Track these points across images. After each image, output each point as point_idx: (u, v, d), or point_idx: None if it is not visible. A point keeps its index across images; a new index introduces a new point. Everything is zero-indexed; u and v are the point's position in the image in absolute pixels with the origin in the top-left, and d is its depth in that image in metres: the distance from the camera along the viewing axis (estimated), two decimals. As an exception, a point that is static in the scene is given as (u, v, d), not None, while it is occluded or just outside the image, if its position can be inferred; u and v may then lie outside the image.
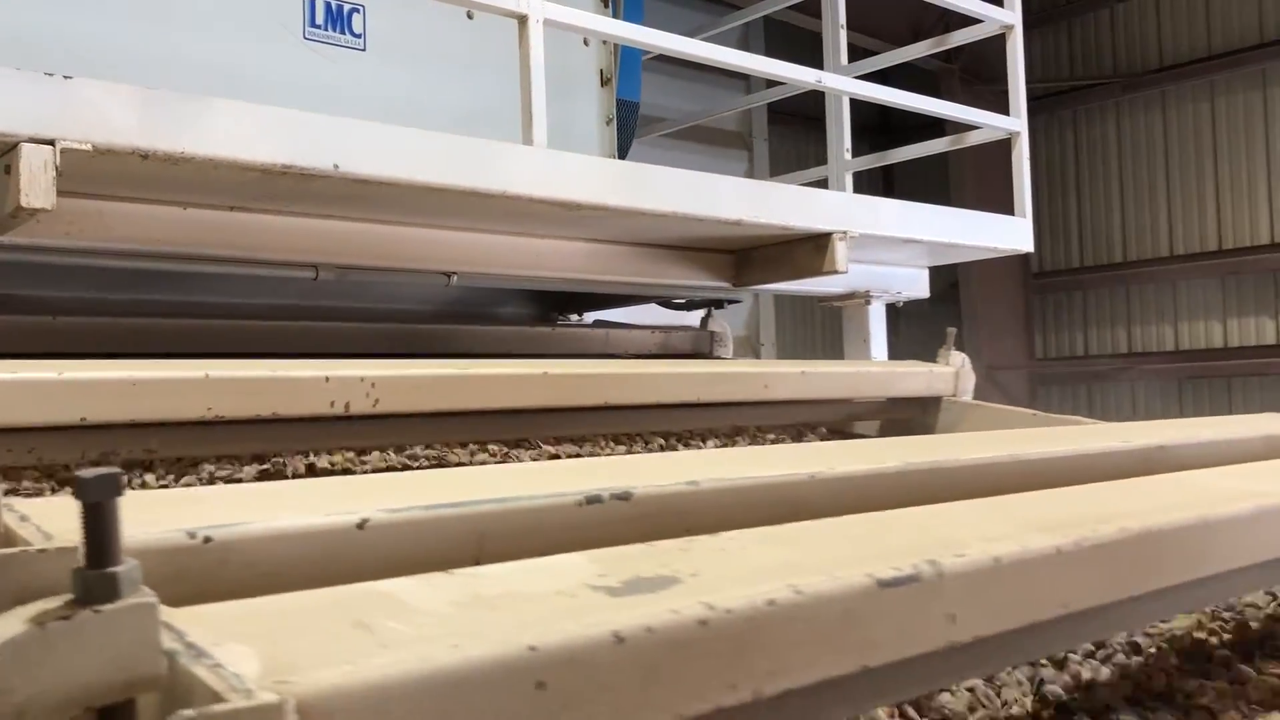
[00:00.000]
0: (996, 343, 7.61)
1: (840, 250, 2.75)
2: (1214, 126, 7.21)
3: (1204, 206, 7.28)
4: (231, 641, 0.58)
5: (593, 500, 1.03)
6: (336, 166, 1.93)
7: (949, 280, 7.84)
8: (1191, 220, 7.33)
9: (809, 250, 2.82)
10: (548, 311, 3.44)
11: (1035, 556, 0.94)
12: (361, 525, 0.87)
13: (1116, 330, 7.73)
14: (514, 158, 2.15)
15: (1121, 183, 7.72)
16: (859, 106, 3.57)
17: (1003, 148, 3.41)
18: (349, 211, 2.25)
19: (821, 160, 3.85)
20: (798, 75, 2.90)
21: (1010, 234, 3.30)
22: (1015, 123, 3.37)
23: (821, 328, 7.94)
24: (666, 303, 3.45)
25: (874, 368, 2.87)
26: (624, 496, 1.05)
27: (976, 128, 3.48)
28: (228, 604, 0.65)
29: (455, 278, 2.45)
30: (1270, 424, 2.17)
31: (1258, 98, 7.02)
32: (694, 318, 3.50)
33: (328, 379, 1.70)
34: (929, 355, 2.97)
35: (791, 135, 7.43)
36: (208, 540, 0.79)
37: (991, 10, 3.38)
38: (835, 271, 2.76)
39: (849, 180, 3.77)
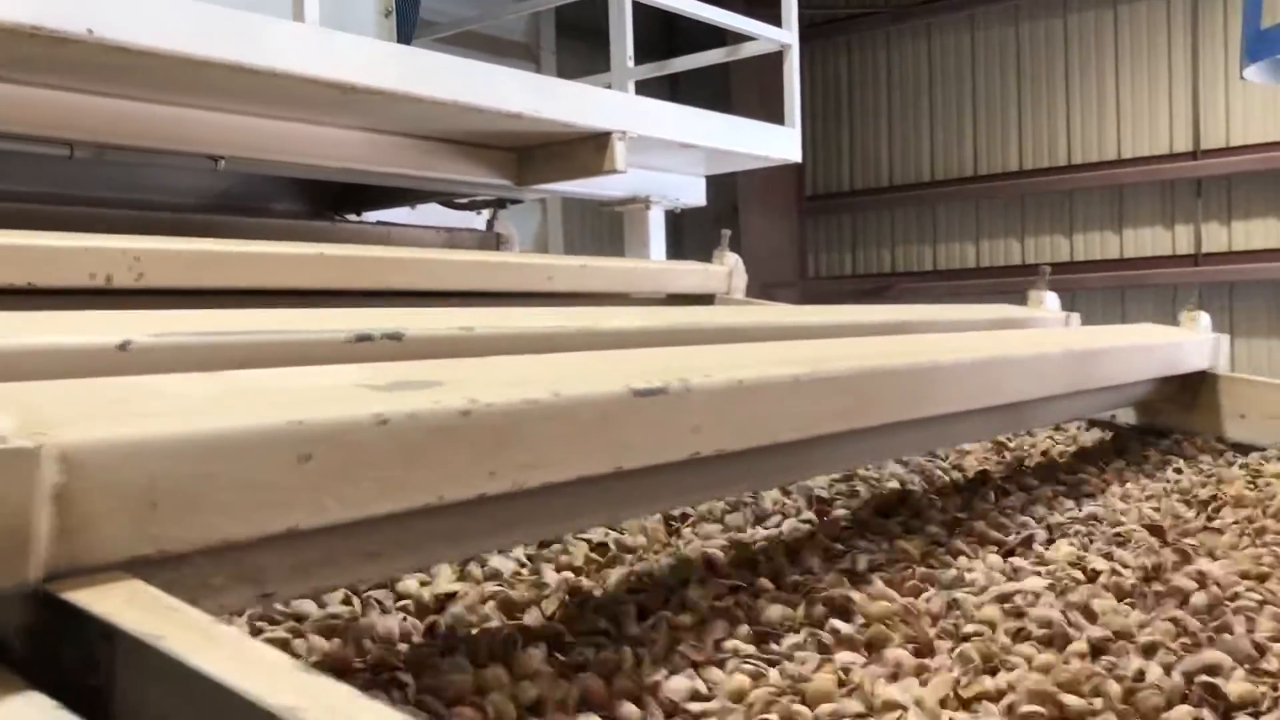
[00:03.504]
0: (772, 261, 7.92)
1: (619, 150, 2.81)
2: (973, 59, 7.68)
3: (962, 135, 7.76)
4: (-15, 409, 0.58)
5: (363, 338, 1.05)
6: (91, 31, 1.83)
7: (730, 201, 8.08)
8: (951, 148, 7.80)
9: (589, 150, 2.86)
10: (325, 209, 3.36)
11: (774, 382, 1.03)
12: (123, 347, 0.87)
13: (881, 251, 8.19)
14: (283, 34, 2.09)
15: (890, 110, 8.12)
16: (646, 23, 3.62)
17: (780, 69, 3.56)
18: (107, 86, 2.14)
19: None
20: (578, -27, 2.91)
21: (780, 143, 3.45)
22: (786, 35, 3.51)
23: (609, 243, 8.05)
24: (449, 203, 3.43)
25: (653, 265, 2.96)
26: (395, 336, 1.08)
27: (753, 39, 3.62)
28: (-21, 385, 0.65)
29: (223, 162, 2.37)
30: (1002, 310, 2.40)
31: (1010, 33, 7.51)
32: (481, 222, 3.50)
33: (87, 249, 1.63)
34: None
35: (582, 50, 7.42)
36: (-45, 351, 0.78)
37: (767, -76, 3.49)
38: (615, 171, 2.82)
39: (631, 88, 3.83)
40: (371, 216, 3.43)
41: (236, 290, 1.88)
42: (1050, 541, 1.36)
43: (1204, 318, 2.21)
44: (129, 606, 0.54)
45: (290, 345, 0.99)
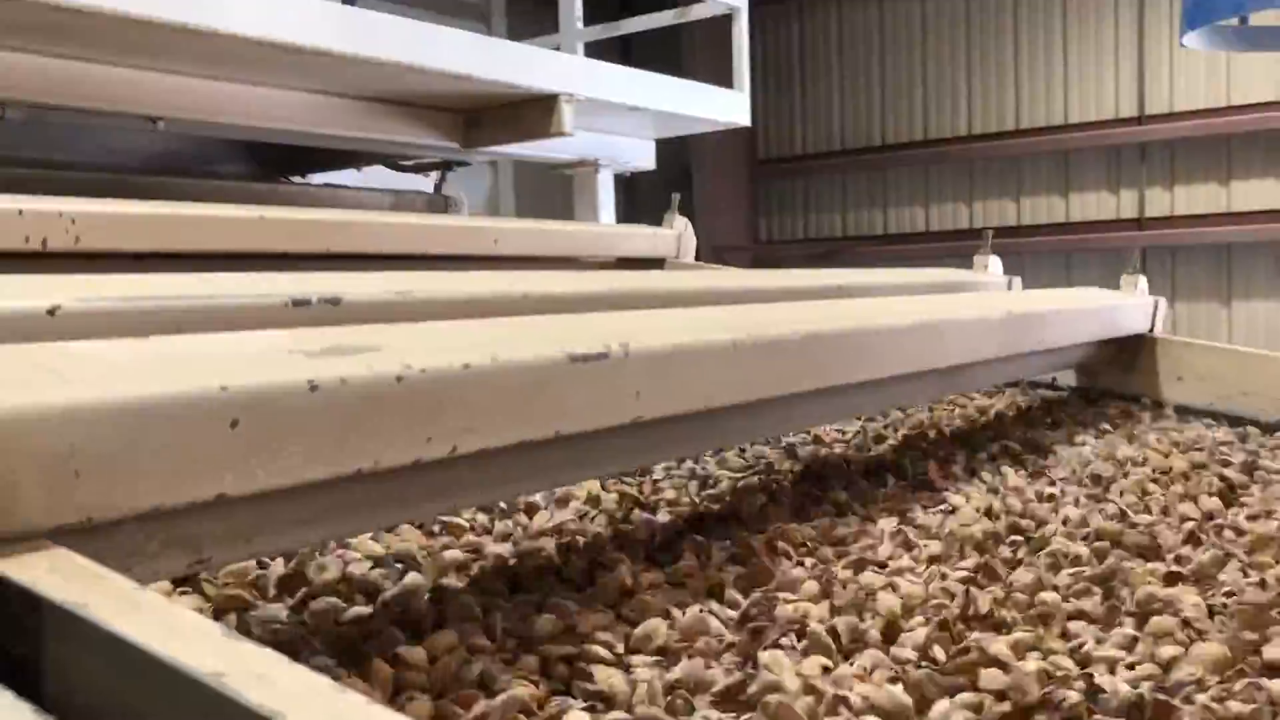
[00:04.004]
0: (724, 225, 7.92)
1: (567, 112, 2.79)
2: (923, 24, 7.69)
3: (912, 100, 7.79)
4: (-97, 376, 0.57)
5: (300, 303, 1.04)
6: (24, -11, 1.78)
7: (683, 165, 8.07)
8: (901, 113, 7.82)
9: (537, 112, 2.84)
10: (270, 171, 3.32)
11: (714, 347, 1.04)
12: (52, 312, 0.86)
13: (833, 215, 8.21)
14: (225, -8, 2.04)
15: (841, 75, 8.12)
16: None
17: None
18: (44, 45, 2.08)
19: (563, 37, 3.87)
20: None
21: (729, 107, 3.44)
22: (736, -2, 3.49)
23: (562, 207, 8.00)
24: (395, 165, 3.40)
25: (602, 229, 2.96)
26: (333, 301, 1.07)
27: (703, 1, 3.61)
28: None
29: (162, 123, 2.32)
30: (946, 274, 2.42)
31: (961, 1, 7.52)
32: (429, 185, 3.48)
33: (21, 211, 1.60)
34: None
35: (533, 12, 7.34)
36: (-125, 317, 0.76)
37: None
38: (562, 133, 2.80)
39: (580, 49, 3.81)
40: (317, 179, 3.39)
41: (177, 254, 1.85)
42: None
43: (1142, 281, 2.25)
44: (53, 575, 0.54)
45: (225, 310, 0.98)
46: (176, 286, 1.01)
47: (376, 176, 3.44)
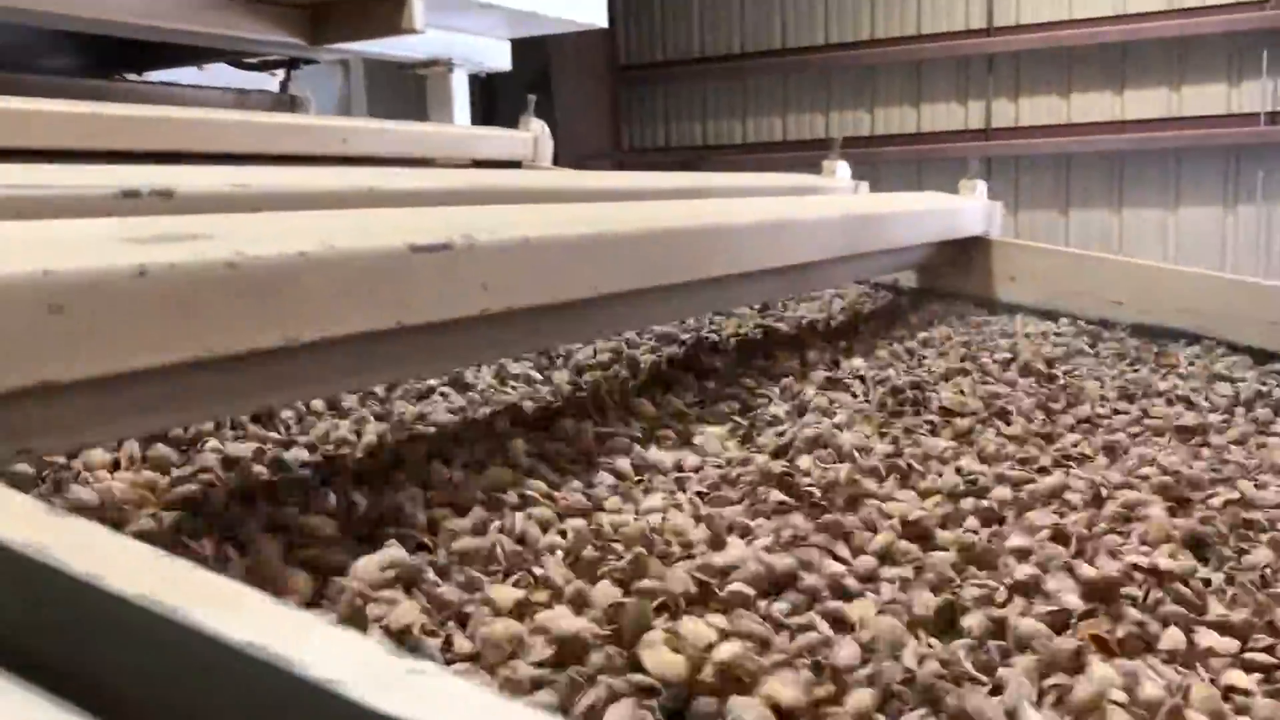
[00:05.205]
0: (587, 132, 7.86)
1: (417, 8, 2.71)
2: (783, -71, 7.67)
3: (770, 7, 7.80)
4: None
5: (130, 194, 1.01)
6: None
7: (544, 71, 7.92)
8: (760, 20, 7.83)
9: (386, 7, 2.75)
10: (104, 68, 3.13)
11: (564, 240, 1.05)
12: None
13: (694, 124, 8.22)
14: None
15: (702, -20, 8.07)
16: None
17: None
18: None
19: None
20: None
21: (585, 7, 3.38)
22: (590, -107, 3.42)
23: (416, 111, 7.78)
24: (239, 63, 3.25)
25: (456, 130, 2.91)
26: (165, 193, 1.04)
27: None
28: None
29: (-20, 11, 2.17)
30: (795, 179, 2.47)
31: (820, -97, 7.52)
32: (275, 85, 3.34)
33: None
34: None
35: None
36: None
37: None
38: (413, 30, 2.72)
39: (433, -56, 3.69)
40: (155, 77, 3.22)
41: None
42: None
43: (981, 185, 2.33)
44: None
45: (52, 201, 0.94)
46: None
47: (219, 75, 3.29)
